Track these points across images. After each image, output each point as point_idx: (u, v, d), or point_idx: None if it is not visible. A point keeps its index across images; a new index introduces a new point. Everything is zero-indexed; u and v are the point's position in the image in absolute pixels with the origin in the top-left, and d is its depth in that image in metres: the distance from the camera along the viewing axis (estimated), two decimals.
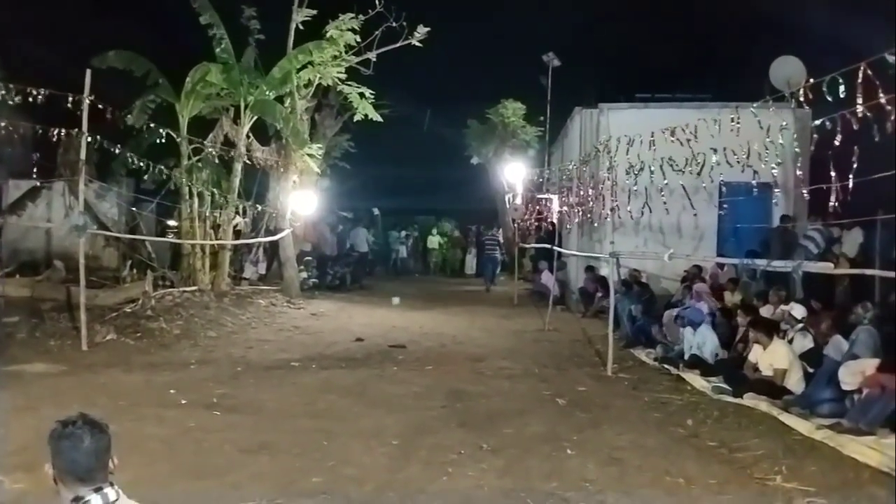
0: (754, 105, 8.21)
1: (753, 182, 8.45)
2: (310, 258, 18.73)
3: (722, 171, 9.23)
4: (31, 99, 10.42)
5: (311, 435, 6.52)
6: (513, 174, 19.26)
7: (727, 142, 8.64)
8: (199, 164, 15.83)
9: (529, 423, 7.04)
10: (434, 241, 26.63)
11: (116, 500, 2.42)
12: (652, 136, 9.68)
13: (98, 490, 2.39)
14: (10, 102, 10.54)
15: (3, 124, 11.18)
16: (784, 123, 8.24)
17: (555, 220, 16.45)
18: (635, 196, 11.37)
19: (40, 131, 11.20)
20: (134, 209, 17.02)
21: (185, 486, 4.94)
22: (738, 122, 8.28)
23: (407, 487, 5.32)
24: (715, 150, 9.02)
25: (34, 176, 16.27)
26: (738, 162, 8.43)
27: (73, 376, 8.50)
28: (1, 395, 7.57)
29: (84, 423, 2.43)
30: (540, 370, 9.52)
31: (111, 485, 2.44)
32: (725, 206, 12.43)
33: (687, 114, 10.57)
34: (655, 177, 10.26)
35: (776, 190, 9.27)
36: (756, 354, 8.15)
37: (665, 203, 10.92)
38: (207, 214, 15.84)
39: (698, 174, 9.48)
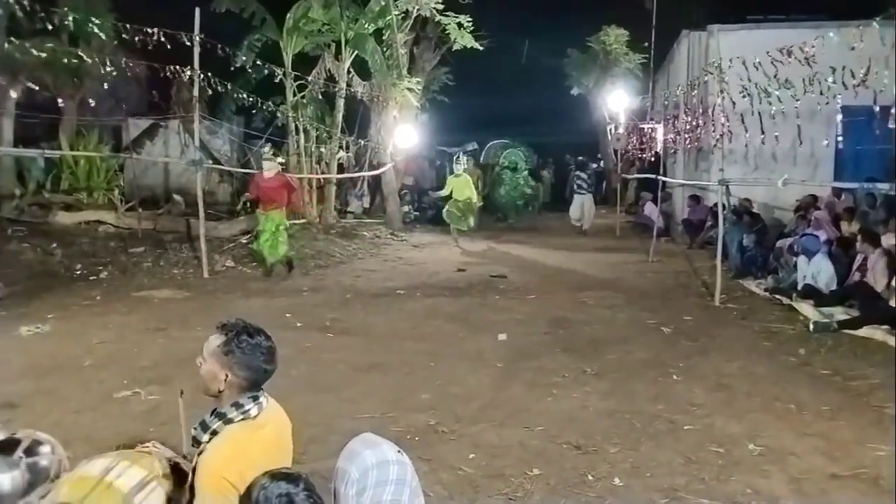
0: (877, 19, 7.63)
1: (875, 104, 7.92)
2: (408, 191, 19.02)
3: (840, 93, 8.69)
4: (145, 39, 10.87)
5: (418, 356, 6.77)
6: (615, 103, 18.74)
7: (846, 61, 8.11)
8: (304, 101, 16.20)
9: (633, 350, 7.05)
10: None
11: (267, 404, 2.58)
12: (769, 56, 9.17)
13: (255, 399, 2.52)
14: (127, 44, 11.04)
15: (121, 65, 11.76)
16: None
17: (659, 150, 15.98)
18: (746, 121, 10.90)
19: (156, 71, 11.72)
20: (245, 145, 17.68)
21: (303, 399, 5.26)
22: (860, 41, 7.73)
23: (511, 406, 5.48)
24: (833, 70, 8.48)
25: (151, 115, 17.07)
26: (859, 83, 7.92)
27: (196, 301, 9.08)
28: (133, 317, 8.20)
29: (263, 333, 2.55)
30: (644, 300, 9.43)
31: (263, 391, 2.59)
32: (843, 130, 11.71)
33: (802, 33, 9.93)
34: (768, 101, 9.77)
35: None
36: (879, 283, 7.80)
37: (778, 128, 10.42)
38: (313, 149, 16.28)
39: (819, 95, 8.94)
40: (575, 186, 17.24)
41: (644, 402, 5.54)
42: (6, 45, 10.89)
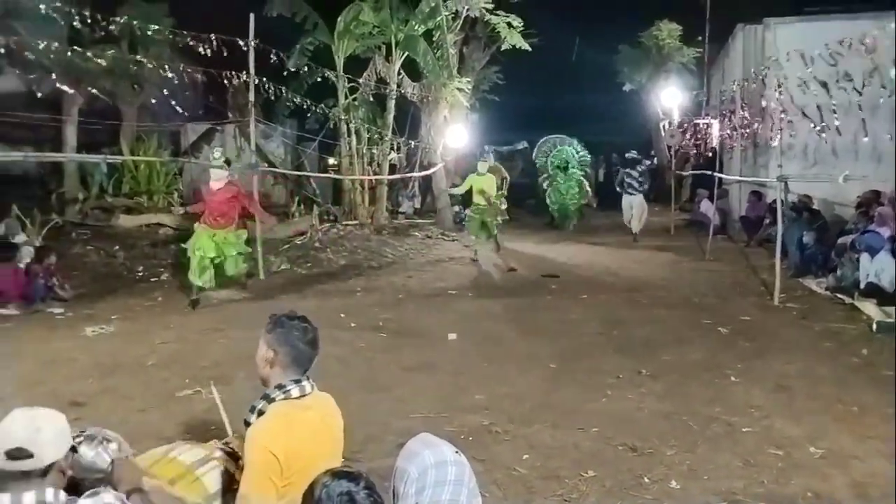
0: None
1: None
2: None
3: None
4: (202, 46, 11.14)
5: (470, 357, 6.79)
6: (668, 99, 18.46)
7: None
8: (356, 103, 16.39)
9: (689, 350, 6.94)
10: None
11: (311, 391, 2.74)
12: (828, 49, 8.92)
13: (298, 381, 2.71)
14: (184, 50, 11.33)
15: (179, 71, 12.08)
16: None
17: (715, 146, 15.68)
18: (805, 116, 10.63)
19: (212, 77, 12.00)
20: (298, 148, 17.96)
21: (359, 399, 5.33)
22: None
23: (565, 407, 5.46)
24: None
25: (208, 119, 17.47)
26: None
27: (253, 302, 9.26)
28: (193, 318, 8.41)
29: (306, 320, 2.79)
30: (700, 299, 9.27)
31: (307, 378, 2.75)
32: None
33: (862, 25, 9.65)
34: (828, 94, 9.52)
35: None
36: None
37: (838, 122, 10.13)
38: (364, 151, 16.46)
39: (881, 88, 8.67)
40: (625, 186, 15.43)
41: (701, 404, 5.45)
42: (69, 54, 11.27)
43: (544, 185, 17.07)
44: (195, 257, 8.84)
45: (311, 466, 2.54)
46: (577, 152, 17.02)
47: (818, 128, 10.75)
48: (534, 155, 18.71)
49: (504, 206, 13.50)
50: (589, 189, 17.41)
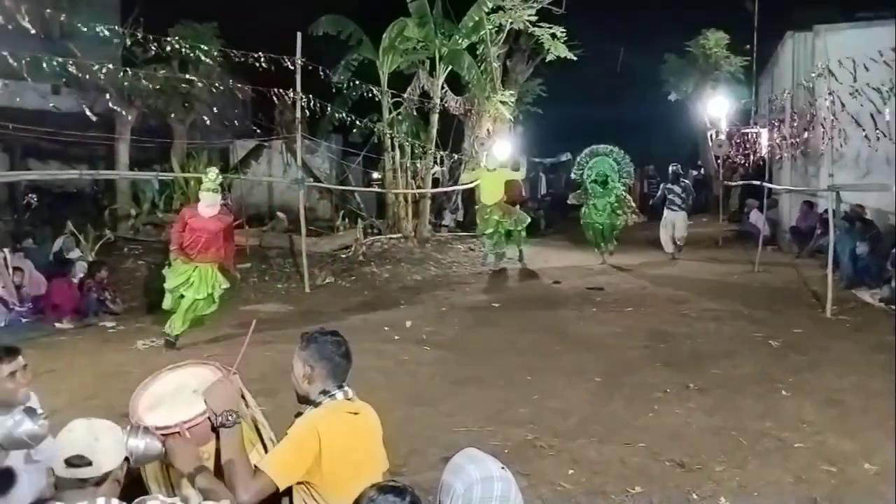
0: None
1: None
2: None
3: None
4: (250, 64, 11.38)
5: (514, 370, 6.76)
6: (716, 108, 18.20)
7: None
8: (400, 117, 16.54)
9: (739, 364, 6.81)
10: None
11: (354, 398, 2.83)
12: (881, 55, 8.72)
13: (340, 387, 2.80)
14: (233, 69, 11.59)
15: (228, 89, 12.36)
16: None
17: (764, 155, 15.40)
18: (858, 124, 10.40)
19: (260, 94, 12.27)
20: (343, 162, 18.17)
21: (403, 412, 5.35)
22: None
23: (612, 422, 5.40)
24: None
25: (256, 136, 17.81)
26: None
27: (299, 315, 9.38)
28: (241, 331, 8.54)
29: (338, 333, 2.91)
30: (749, 312, 9.09)
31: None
32: None
33: None
34: (881, 101, 9.30)
35: None
36: None
37: (891, 130, 9.89)
38: (408, 165, 16.58)
39: None
40: (666, 202, 13.98)
41: (751, 419, 5.34)
42: (122, 74, 11.62)
43: (579, 200, 14.04)
44: (182, 299, 7.68)
45: (352, 471, 2.65)
46: (618, 163, 13.81)
47: (871, 136, 10.51)
48: (572, 170, 15.53)
49: (522, 216, 12.94)
50: (633, 204, 14.40)
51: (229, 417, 2.56)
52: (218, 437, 2.60)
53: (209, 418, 2.59)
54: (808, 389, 5.97)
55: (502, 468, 2.22)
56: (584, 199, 13.59)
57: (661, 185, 14.55)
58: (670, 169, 14.43)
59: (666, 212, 14.06)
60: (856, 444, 4.81)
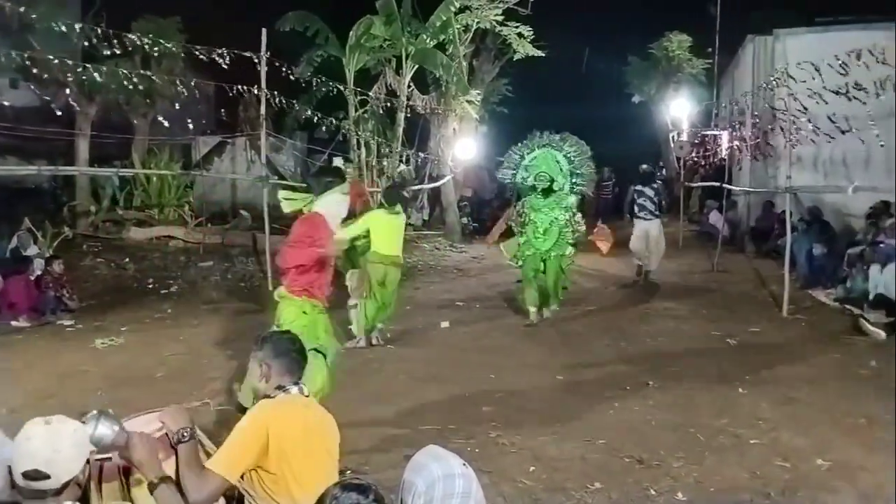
0: None
1: None
2: (466, 203, 19.08)
3: None
4: (213, 60, 11.24)
5: (478, 368, 6.81)
6: (678, 110, 18.47)
7: None
8: (366, 116, 16.48)
9: (698, 362, 6.94)
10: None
11: (309, 396, 2.98)
12: (838, 60, 8.94)
13: (296, 384, 2.90)
14: (196, 64, 11.44)
15: (191, 85, 12.20)
16: None
17: (724, 157, 15.67)
18: (815, 127, 10.63)
19: (224, 90, 12.13)
20: (308, 160, 18.06)
21: (366, 411, 5.37)
22: None
23: (572, 419, 5.46)
24: None
25: (219, 132, 17.62)
26: None
27: (262, 314, 9.25)
28: (202, 330, 8.46)
29: (292, 333, 3.12)
30: (708, 311, 9.26)
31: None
32: None
33: (874, 35, 9.69)
34: (839, 105, 9.52)
35: None
36: None
37: (848, 133, 10.14)
38: (374, 163, 16.53)
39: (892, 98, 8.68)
40: (636, 208, 11.23)
41: (708, 416, 5.45)
42: (83, 68, 11.40)
43: (516, 222, 9.18)
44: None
45: (304, 465, 2.73)
46: (570, 161, 9.08)
47: (828, 139, 10.75)
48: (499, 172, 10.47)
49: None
50: (581, 226, 9.05)
51: (185, 434, 2.63)
52: (177, 455, 2.63)
53: (167, 434, 2.67)
54: (765, 387, 6.11)
55: (464, 465, 2.24)
56: (520, 220, 9.01)
57: (631, 188, 11.82)
58: (641, 169, 12.11)
59: (637, 222, 11.25)
60: (809, 441, 4.94)
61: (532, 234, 8.80)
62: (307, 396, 2.96)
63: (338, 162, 12.22)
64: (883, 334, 7.62)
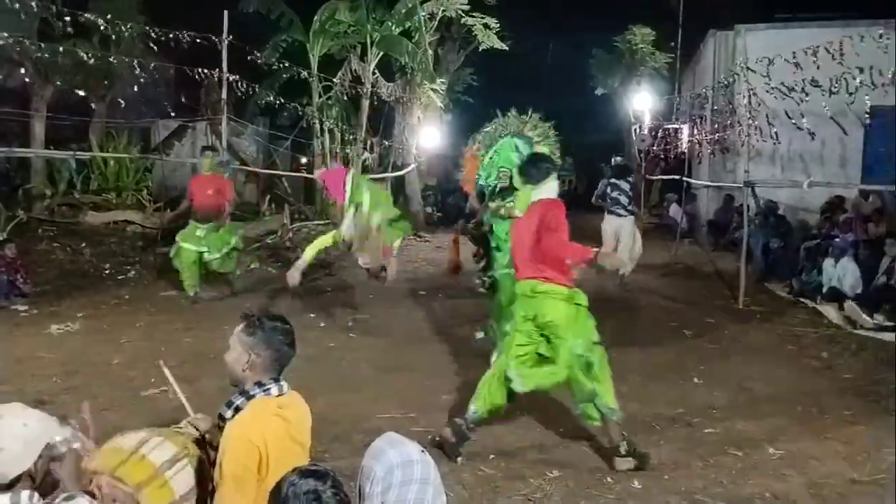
0: None
1: None
2: (431, 192, 19.07)
3: (868, 93, 8.64)
4: (174, 42, 11.04)
5: (439, 357, 6.86)
6: (640, 104, 18.67)
7: (875, 61, 8.05)
8: (329, 102, 16.34)
9: (654, 352, 7.06)
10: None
11: (287, 391, 2.77)
12: (794, 58, 9.13)
13: (276, 380, 2.74)
14: (156, 46, 11.21)
15: (150, 67, 11.96)
16: None
17: (684, 150, 15.90)
18: (773, 122, 10.83)
19: (185, 73, 11.92)
20: (270, 146, 17.85)
21: (327, 399, 5.34)
22: (888, 39, 7.69)
23: (531, 407, 5.50)
24: (861, 70, 8.43)
25: (179, 116, 17.29)
26: (888, 83, 7.87)
27: (222, 301, 9.21)
28: (160, 317, 8.34)
29: (285, 320, 2.81)
30: (666, 302, 9.42)
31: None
32: (871, 130, 11.59)
33: (831, 32, 9.90)
34: (796, 101, 9.72)
35: None
36: None
37: (805, 128, 10.35)
38: (337, 150, 16.42)
39: (847, 94, 8.89)
40: (608, 201, 10.32)
41: (664, 405, 5.56)
42: (38, 48, 11.10)
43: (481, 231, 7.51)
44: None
45: (283, 466, 2.59)
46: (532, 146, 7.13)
47: (786, 133, 10.97)
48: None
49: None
50: None
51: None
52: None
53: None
54: (719, 377, 6.24)
55: (422, 451, 2.26)
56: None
57: (602, 182, 10.99)
58: (615, 161, 11.71)
59: (608, 217, 10.37)
60: (762, 430, 5.06)
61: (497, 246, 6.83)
62: (286, 393, 2.75)
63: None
64: (870, 321, 7.80)
